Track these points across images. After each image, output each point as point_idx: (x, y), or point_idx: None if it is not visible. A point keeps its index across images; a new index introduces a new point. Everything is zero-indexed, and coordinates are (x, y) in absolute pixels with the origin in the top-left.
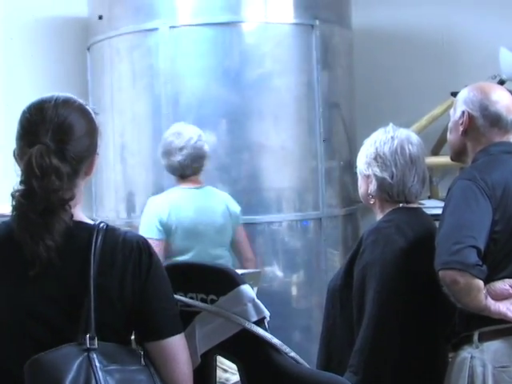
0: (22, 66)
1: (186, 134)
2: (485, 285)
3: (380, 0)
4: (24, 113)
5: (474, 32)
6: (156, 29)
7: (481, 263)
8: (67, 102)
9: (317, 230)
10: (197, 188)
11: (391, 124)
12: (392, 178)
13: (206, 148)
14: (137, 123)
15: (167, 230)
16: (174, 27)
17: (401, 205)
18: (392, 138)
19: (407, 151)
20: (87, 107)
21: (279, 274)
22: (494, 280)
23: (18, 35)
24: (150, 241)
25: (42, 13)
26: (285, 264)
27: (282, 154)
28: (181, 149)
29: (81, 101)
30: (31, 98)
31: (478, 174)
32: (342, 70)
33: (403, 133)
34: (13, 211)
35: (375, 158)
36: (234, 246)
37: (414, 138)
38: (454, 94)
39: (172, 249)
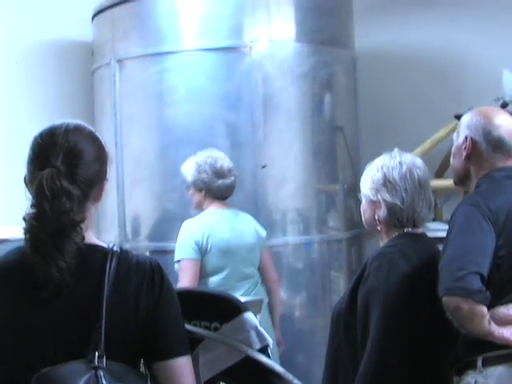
0: (27, 89)
1: (226, 158)
2: (488, 310)
3: (383, 22)
4: (35, 139)
5: (477, 54)
6: (161, 53)
7: (484, 289)
8: (78, 129)
9: (321, 253)
10: (227, 210)
11: (396, 149)
12: (402, 203)
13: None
14: (142, 147)
15: (202, 251)
16: (179, 51)
17: (406, 230)
18: (400, 163)
19: (416, 176)
20: (97, 134)
21: (284, 295)
22: (497, 305)
23: (23, 59)
24: (186, 261)
25: (47, 36)
26: (289, 286)
27: (285, 176)
28: (229, 171)
29: (91, 128)
30: (36, 121)
31: (482, 199)
32: (346, 93)
33: (408, 157)
34: (25, 234)
35: (384, 184)
36: (260, 268)
37: (420, 162)
38: (458, 117)
39: (206, 268)
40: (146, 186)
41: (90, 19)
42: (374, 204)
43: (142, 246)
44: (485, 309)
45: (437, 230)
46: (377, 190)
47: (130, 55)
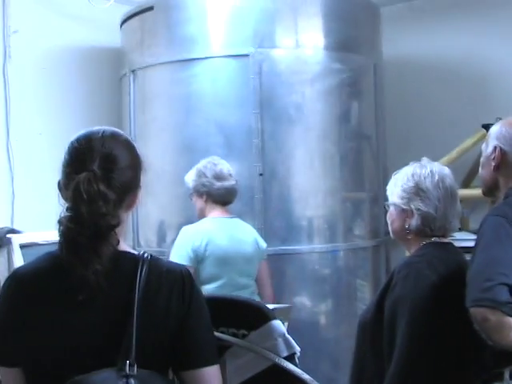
0: (55, 95)
1: (226, 163)
2: None
3: (410, 31)
4: (72, 143)
5: (504, 63)
6: (188, 60)
7: None
8: (114, 135)
9: (346, 261)
10: (228, 218)
11: (425, 158)
12: (436, 212)
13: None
14: (170, 153)
15: (199, 258)
16: (206, 58)
17: (433, 239)
18: (431, 171)
19: (448, 185)
20: (133, 142)
21: (309, 303)
22: None
23: (51, 65)
24: None
25: (75, 43)
26: (314, 294)
27: (312, 184)
28: (230, 175)
29: (127, 135)
30: (64, 127)
31: (510, 210)
32: (373, 101)
33: (438, 166)
34: (60, 237)
35: (417, 193)
36: (256, 280)
37: (448, 171)
38: (486, 126)
39: (202, 276)
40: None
41: (119, 26)
42: (404, 213)
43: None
44: None
45: (463, 239)
46: (409, 199)
47: (158, 61)
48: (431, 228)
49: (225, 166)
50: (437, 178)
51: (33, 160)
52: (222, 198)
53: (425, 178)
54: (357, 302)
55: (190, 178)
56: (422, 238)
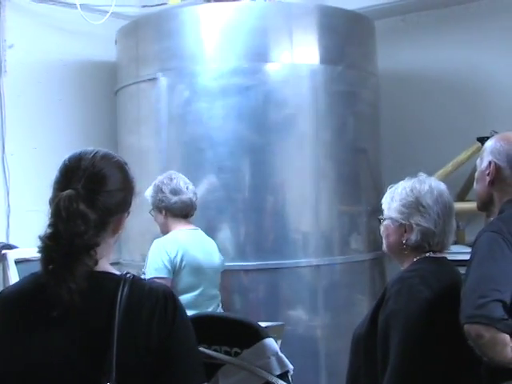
0: (51, 110)
1: (183, 177)
2: (511, 338)
3: (406, 44)
4: (64, 161)
5: (500, 76)
6: (184, 74)
7: (506, 317)
8: (106, 156)
9: (343, 274)
10: (195, 229)
11: (423, 174)
12: (435, 227)
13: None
14: (169, 165)
15: (175, 269)
16: (201, 73)
17: (427, 254)
18: (430, 187)
19: (446, 200)
20: (126, 166)
21: (306, 317)
22: None
23: (47, 79)
24: (158, 280)
25: (70, 57)
26: (311, 308)
27: (309, 197)
28: (187, 188)
29: (121, 158)
30: (60, 141)
31: (505, 226)
32: (369, 115)
33: (435, 182)
34: (39, 253)
35: (417, 208)
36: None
37: (445, 187)
38: (480, 140)
39: (179, 286)
40: None
41: (114, 40)
42: (402, 228)
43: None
44: (507, 337)
45: (458, 252)
46: (409, 214)
47: (153, 76)
48: (429, 243)
49: (181, 180)
50: (436, 193)
51: (28, 174)
52: (181, 211)
53: (425, 193)
54: (354, 315)
55: (149, 194)
56: (417, 253)
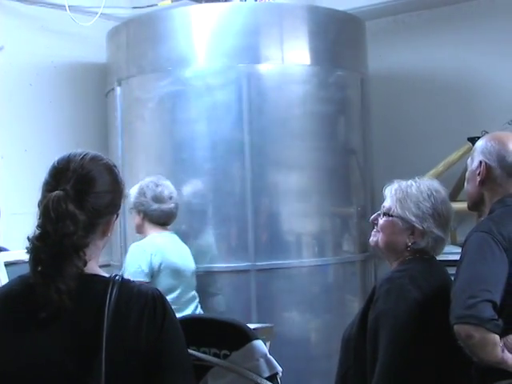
0: (41, 112)
1: (170, 186)
2: (501, 338)
3: (396, 45)
4: (53, 163)
5: (490, 77)
6: (174, 73)
7: (496, 317)
8: (94, 158)
9: (335, 275)
10: (171, 234)
11: (435, 179)
12: (445, 236)
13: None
14: (157, 166)
15: (154, 272)
16: (191, 72)
17: (417, 255)
18: (446, 197)
19: (451, 210)
20: (115, 168)
21: (298, 318)
22: (510, 333)
23: (37, 81)
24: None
25: (60, 59)
26: (303, 308)
27: (300, 199)
28: (171, 198)
29: (109, 160)
30: (51, 144)
31: (495, 226)
32: (359, 116)
33: (444, 189)
34: (28, 254)
35: (433, 215)
36: None
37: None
38: (471, 140)
39: (160, 289)
40: None
41: (104, 41)
42: (410, 229)
43: None
44: (497, 337)
45: (450, 253)
46: (424, 219)
47: (143, 77)
48: (435, 250)
49: (166, 189)
50: (449, 204)
51: (19, 177)
52: (158, 219)
53: (441, 202)
54: (346, 316)
55: (133, 194)
56: (410, 253)
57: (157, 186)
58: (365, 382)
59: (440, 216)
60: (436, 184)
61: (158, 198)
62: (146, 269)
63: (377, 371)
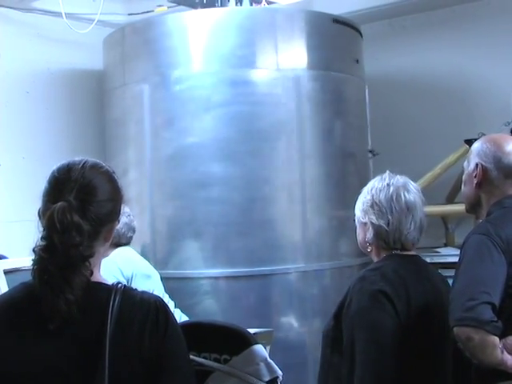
0: (38, 119)
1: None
2: (500, 339)
3: (391, 48)
4: (52, 172)
5: (486, 79)
6: (170, 79)
7: (496, 319)
8: (95, 166)
9: (333, 280)
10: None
11: (388, 171)
12: (388, 225)
13: (135, 223)
14: (153, 171)
15: (127, 279)
16: (187, 77)
17: (394, 252)
18: (388, 185)
19: (403, 198)
20: (114, 175)
21: (295, 323)
22: (510, 334)
23: (34, 89)
24: None
25: (57, 66)
26: (301, 314)
27: (296, 202)
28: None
29: (109, 167)
30: (48, 151)
31: (492, 228)
32: (356, 119)
33: (400, 180)
34: (33, 266)
35: (372, 206)
36: None
37: (411, 185)
38: (468, 142)
39: None
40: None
41: (100, 48)
42: (364, 226)
43: None
44: (496, 339)
45: (448, 255)
46: (365, 212)
47: (140, 82)
48: (385, 241)
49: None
50: (391, 190)
51: (16, 184)
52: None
53: (380, 191)
54: None
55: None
56: (383, 250)
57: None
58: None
59: (377, 204)
60: (386, 176)
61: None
62: (120, 278)
63: (357, 372)
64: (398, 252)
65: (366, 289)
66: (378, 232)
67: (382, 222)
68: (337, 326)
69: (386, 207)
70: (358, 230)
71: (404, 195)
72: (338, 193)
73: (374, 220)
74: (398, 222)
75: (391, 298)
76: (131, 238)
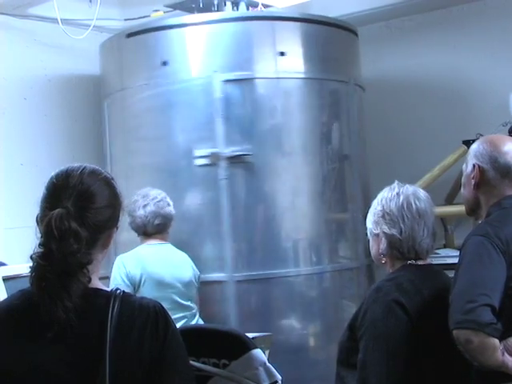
0: (36, 125)
1: (151, 194)
2: (501, 341)
3: (389, 50)
4: (51, 178)
5: (483, 80)
6: (167, 84)
7: (495, 321)
8: (93, 173)
9: (333, 282)
10: (160, 244)
11: (396, 181)
12: (401, 233)
13: (171, 209)
14: (153, 177)
15: (134, 283)
16: (185, 82)
17: (409, 262)
18: (397, 194)
19: (414, 206)
20: (113, 181)
21: (297, 325)
22: (510, 336)
23: (32, 95)
24: None
25: (54, 72)
26: (302, 316)
27: (295, 206)
28: (144, 206)
29: (108, 173)
30: (46, 157)
31: (492, 229)
32: (353, 122)
33: (409, 189)
34: (31, 273)
35: (383, 216)
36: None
37: (421, 193)
38: (466, 143)
39: None
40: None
41: (97, 54)
42: (377, 237)
43: None
44: (496, 341)
45: (447, 256)
46: (377, 223)
47: (137, 88)
48: (399, 251)
49: (142, 199)
50: (402, 199)
51: (14, 191)
52: (138, 230)
53: (390, 200)
54: (344, 323)
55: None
56: (397, 261)
57: (133, 198)
58: None
59: (388, 214)
60: (395, 186)
61: (130, 210)
62: (126, 280)
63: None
64: (413, 262)
65: (381, 299)
66: (392, 242)
67: (394, 231)
68: (352, 336)
69: (398, 216)
70: (371, 243)
71: (415, 203)
72: (337, 195)
73: (387, 230)
74: (410, 230)
75: (406, 308)
76: (160, 225)
